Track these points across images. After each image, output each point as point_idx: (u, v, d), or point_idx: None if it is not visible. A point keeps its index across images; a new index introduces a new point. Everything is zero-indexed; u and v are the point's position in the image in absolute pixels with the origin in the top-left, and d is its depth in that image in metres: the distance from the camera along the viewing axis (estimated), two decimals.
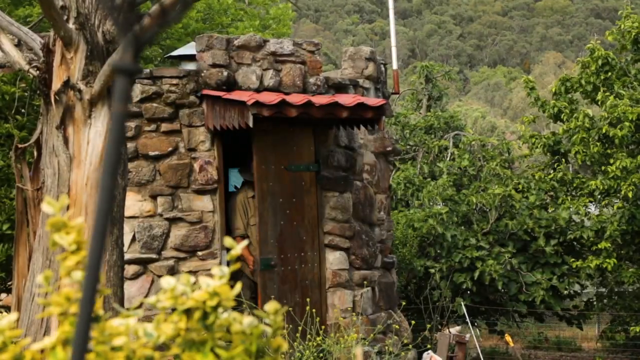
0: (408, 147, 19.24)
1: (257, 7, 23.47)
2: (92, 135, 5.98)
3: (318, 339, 7.45)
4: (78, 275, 1.76)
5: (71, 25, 5.85)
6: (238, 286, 1.83)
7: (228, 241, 1.88)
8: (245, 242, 1.91)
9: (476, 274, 14.37)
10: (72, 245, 1.78)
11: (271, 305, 1.92)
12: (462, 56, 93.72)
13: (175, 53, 11.24)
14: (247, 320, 1.89)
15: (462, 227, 15.25)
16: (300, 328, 7.69)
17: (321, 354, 7.51)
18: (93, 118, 5.97)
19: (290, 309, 8.78)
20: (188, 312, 1.86)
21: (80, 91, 5.90)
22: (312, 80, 10.29)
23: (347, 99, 9.54)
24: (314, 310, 7.82)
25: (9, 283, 9.54)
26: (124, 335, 1.74)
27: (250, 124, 8.96)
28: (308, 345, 7.42)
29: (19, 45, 7.51)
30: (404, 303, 14.18)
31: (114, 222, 6.05)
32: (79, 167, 5.95)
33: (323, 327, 7.77)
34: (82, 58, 5.92)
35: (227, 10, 22.18)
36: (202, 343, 1.84)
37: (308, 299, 8.08)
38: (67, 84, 5.91)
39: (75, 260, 1.78)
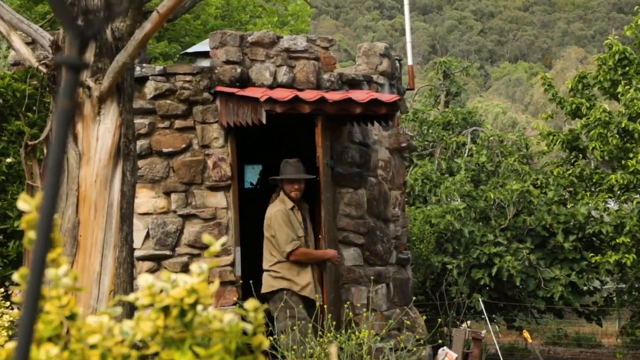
0: (426, 143, 19.18)
1: (275, 3, 23.48)
2: (102, 132, 5.98)
3: (329, 335, 7.44)
4: (51, 272, 1.74)
5: (80, 22, 5.85)
6: (216, 283, 1.80)
7: (207, 238, 1.85)
8: (224, 239, 1.88)
9: (494, 270, 14.31)
10: None
11: (251, 303, 1.90)
12: (483, 52, 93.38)
13: (190, 50, 11.25)
14: (227, 317, 1.87)
15: (480, 223, 15.19)
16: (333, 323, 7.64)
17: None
18: (102, 115, 5.98)
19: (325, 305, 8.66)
20: (167, 310, 1.84)
21: (89, 88, 5.90)
22: (325, 76, 10.26)
23: (361, 95, 9.50)
24: (325, 306, 7.80)
25: None
26: (98, 333, 1.73)
27: (264, 121, 8.94)
28: (320, 341, 7.40)
29: (33, 43, 7.53)
30: (421, 298, 14.15)
31: (124, 219, 6.06)
32: (88, 164, 5.96)
33: (334, 322, 7.75)
34: (91, 55, 5.93)
35: (246, 7, 22.20)
36: (181, 341, 1.82)
37: (317, 296, 8.07)
38: None
39: (49, 258, 1.76)
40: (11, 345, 1.80)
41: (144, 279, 1.85)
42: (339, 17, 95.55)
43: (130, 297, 1.87)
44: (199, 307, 1.85)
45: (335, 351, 1.84)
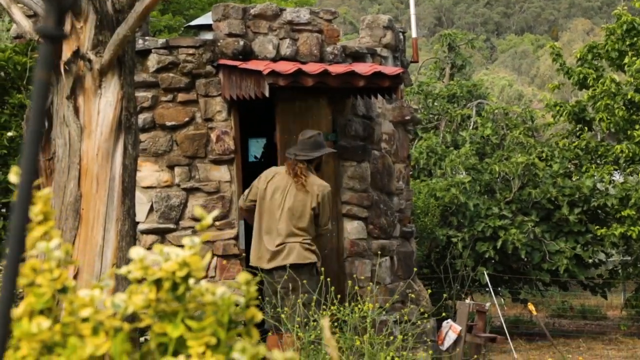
0: (431, 116, 19.13)
1: None
2: (103, 105, 5.97)
3: (333, 308, 7.44)
4: (43, 245, 1.74)
5: None
6: (207, 256, 1.80)
7: (198, 211, 1.84)
8: (215, 212, 1.87)
9: (499, 243, 14.29)
10: (38, 215, 1.76)
11: (243, 276, 1.89)
12: (489, 24, 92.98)
13: (193, 23, 11.21)
14: (219, 290, 1.86)
15: (485, 196, 15.16)
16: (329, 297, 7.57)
17: (336, 323, 7.50)
18: (103, 88, 5.97)
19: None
20: (159, 283, 1.83)
21: (90, 61, 5.88)
22: (329, 49, 10.22)
23: (364, 68, 9.47)
24: (328, 279, 7.80)
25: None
26: (89, 306, 1.72)
27: (267, 94, 8.92)
28: (323, 314, 7.41)
29: (35, 15, 7.50)
30: (426, 271, 14.16)
31: (126, 192, 6.06)
32: (89, 137, 5.96)
33: (339, 296, 7.75)
34: (92, 28, 5.90)
35: None
36: (174, 314, 1.81)
37: (322, 268, 8.07)
38: (76, 54, 5.89)
39: (42, 231, 1.76)
40: None
41: (135, 252, 1.84)
42: None
43: (123, 270, 1.87)
44: (191, 280, 1.85)
45: (329, 324, 1.83)
